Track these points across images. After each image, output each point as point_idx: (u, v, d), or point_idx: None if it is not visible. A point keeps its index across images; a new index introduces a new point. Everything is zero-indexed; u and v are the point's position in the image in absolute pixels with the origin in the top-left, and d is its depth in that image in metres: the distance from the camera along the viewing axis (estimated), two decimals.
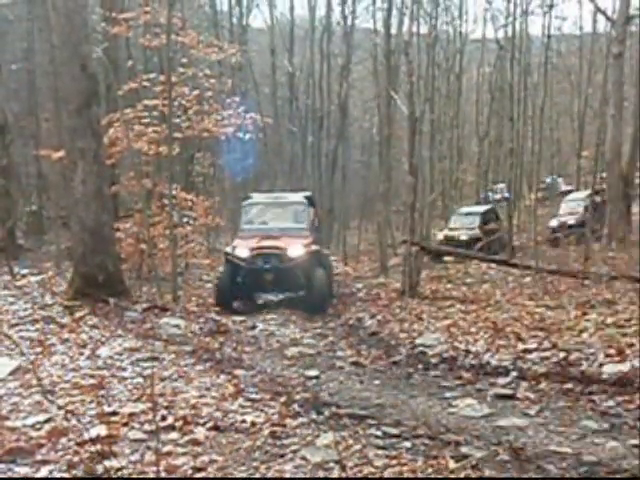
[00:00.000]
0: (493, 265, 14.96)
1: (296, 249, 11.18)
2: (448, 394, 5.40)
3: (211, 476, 3.66)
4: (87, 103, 9.51)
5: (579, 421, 4.59)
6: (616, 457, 3.89)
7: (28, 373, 5.70)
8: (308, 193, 13.68)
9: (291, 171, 29.87)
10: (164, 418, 4.56)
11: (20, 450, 3.99)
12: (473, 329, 8.12)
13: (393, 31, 25.15)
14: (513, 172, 22.72)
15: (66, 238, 14.39)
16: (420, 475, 3.60)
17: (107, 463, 3.76)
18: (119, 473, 3.66)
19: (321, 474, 3.64)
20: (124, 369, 6.17)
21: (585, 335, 7.15)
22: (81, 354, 6.71)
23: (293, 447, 4.04)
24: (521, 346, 6.95)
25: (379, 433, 4.31)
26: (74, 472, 3.69)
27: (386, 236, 19.96)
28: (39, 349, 6.82)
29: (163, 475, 3.61)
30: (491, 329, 7.94)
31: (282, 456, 3.91)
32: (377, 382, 5.92)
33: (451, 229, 21.22)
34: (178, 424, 4.47)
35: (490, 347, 7.07)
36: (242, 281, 11.22)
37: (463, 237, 19.92)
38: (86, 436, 4.16)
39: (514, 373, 5.95)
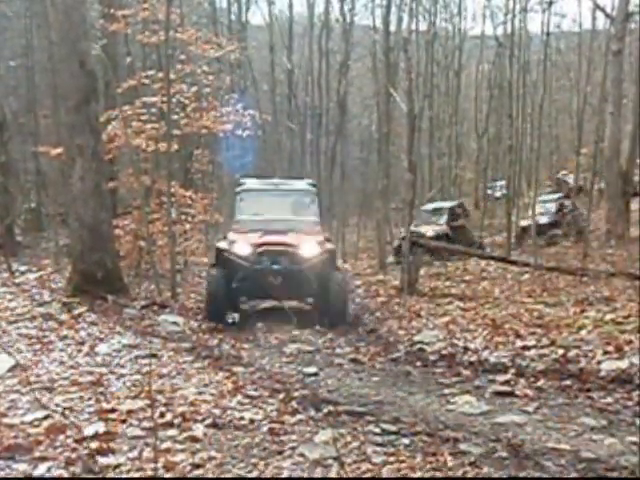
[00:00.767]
0: (492, 262, 14.97)
1: (310, 247, 9.40)
2: (446, 391, 5.40)
3: (210, 473, 3.66)
4: (86, 100, 9.51)
5: (577, 418, 4.59)
6: (614, 454, 3.89)
7: (26, 370, 5.70)
8: (311, 181, 11.97)
9: (290, 168, 29.83)
10: (162, 415, 4.55)
11: (18, 447, 3.99)
12: (472, 326, 8.13)
13: (392, 28, 25.07)
14: (512, 169, 22.65)
15: (65, 235, 14.40)
16: (419, 472, 3.60)
17: (105, 460, 3.76)
18: (117, 470, 3.67)
19: (319, 471, 3.64)
20: (122, 366, 6.17)
21: (583, 332, 7.16)
22: (79, 351, 6.72)
23: (291, 444, 4.04)
24: (520, 343, 6.95)
25: (377, 430, 4.31)
26: (72, 469, 3.69)
27: (385, 233, 19.92)
28: (37, 346, 6.83)
29: (161, 472, 3.62)
30: (490, 326, 7.95)
31: (280, 453, 3.92)
32: (376, 379, 5.92)
33: (417, 225, 18.85)
34: (177, 421, 4.47)
35: (489, 344, 7.08)
36: (239, 286, 9.30)
37: (430, 233, 18.12)
38: (84, 433, 4.16)
39: (512, 370, 5.95)
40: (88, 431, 4.18)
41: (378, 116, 24.23)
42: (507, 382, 5.59)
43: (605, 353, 6.18)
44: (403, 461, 3.74)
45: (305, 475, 3.60)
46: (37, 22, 21.51)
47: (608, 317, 7.70)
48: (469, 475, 3.55)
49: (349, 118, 33.32)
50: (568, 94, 35.40)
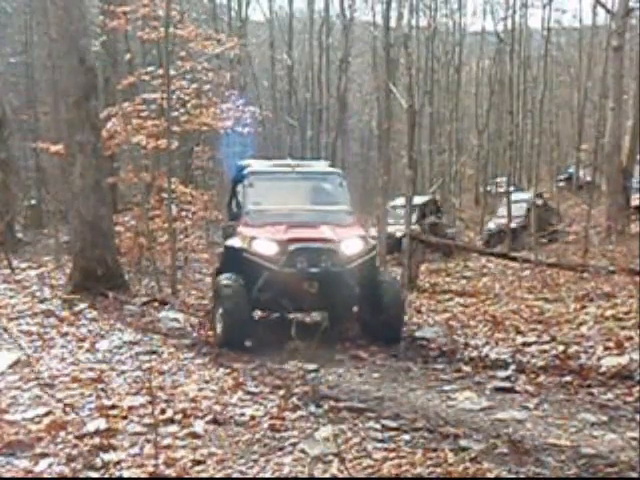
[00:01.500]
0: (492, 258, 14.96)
1: (353, 243, 7.32)
2: (447, 387, 5.41)
3: (210, 469, 3.67)
4: (86, 96, 9.49)
5: (577, 414, 4.60)
6: (614, 449, 3.90)
7: (27, 366, 5.71)
8: (328, 163, 10.15)
9: None
10: (163, 411, 4.56)
11: (19, 443, 4.00)
12: (472, 322, 8.14)
13: (392, 24, 25.00)
14: (512, 165, 22.64)
15: (65, 232, 14.38)
16: (419, 468, 3.60)
17: (106, 456, 3.77)
18: (118, 466, 3.67)
19: (320, 467, 3.65)
20: (123, 362, 6.18)
21: (584, 328, 7.17)
22: (80, 347, 6.72)
23: (292, 440, 4.05)
24: (520, 339, 6.96)
25: (378, 426, 4.31)
26: (73, 465, 3.70)
27: (385, 230, 19.84)
28: (38, 343, 6.83)
29: (162, 468, 3.62)
30: (490, 322, 7.96)
31: (281, 449, 3.93)
32: (376, 375, 5.92)
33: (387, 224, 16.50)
34: (177, 417, 4.48)
35: (489, 340, 7.09)
36: (261, 296, 7.08)
37: (398, 234, 15.41)
38: (85, 429, 4.17)
39: (513, 366, 5.95)
40: (89, 427, 4.19)
41: (378, 112, 24.20)
42: (507, 378, 5.59)
43: (605, 349, 6.19)
44: (403, 457, 3.74)
45: (306, 471, 3.61)
46: (37, 19, 21.49)
47: (608, 313, 7.71)
48: (470, 471, 3.56)
49: (349, 114, 33.31)
50: (568, 90, 35.36)
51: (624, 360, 5.75)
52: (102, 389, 5.18)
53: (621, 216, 17.14)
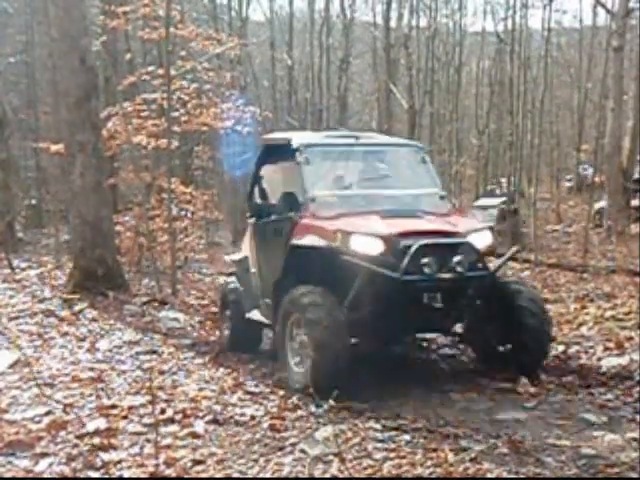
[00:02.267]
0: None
1: (482, 236, 5.43)
2: (447, 387, 5.40)
3: (210, 469, 3.67)
4: (86, 96, 9.49)
5: (578, 414, 4.59)
6: (614, 450, 3.90)
7: (27, 366, 5.71)
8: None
9: None
10: (163, 411, 4.57)
11: (19, 443, 4.01)
12: None
13: (392, 24, 25.09)
14: (512, 166, 22.60)
15: (65, 231, 14.39)
16: (419, 468, 3.60)
17: (106, 456, 3.77)
18: (118, 466, 3.67)
19: (320, 467, 3.65)
20: (123, 362, 6.19)
21: (584, 328, 7.16)
22: (80, 347, 6.73)
23: (292, 440, 4.05)
24: None
25: (378, 426, 4.31)
26: (73, 465, 3.70)
27: None
28: (38, 342, 6.84)
29: (162, 468, 3.62)
30: None
31: (281, 449, 3.93)
32: (376, 374, 5.90)
33: None
34: (177, 417, 4.48)
35: None
36: (364, 317, 5.18)
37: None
38: (85, 429, 4.17)
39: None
40: (89, 427, 4.19)
41: (378, 112, 24.26)
42: (508, 378, 5.58)
43: (605, 349, 6.19)
44: (404, 457, 3.74)
45: (306, 471, 3.61)
46: (37, 19, 21.45)
47: (609, 313, 7.70)
48: (470, 471, 3.56)
49: (350, 114, 33.30)
50: (569, 90, 35.35)
51: (624, 360, 5.75)
52: (102, 389, 5.18)
53: (621, 216, 17.14)
